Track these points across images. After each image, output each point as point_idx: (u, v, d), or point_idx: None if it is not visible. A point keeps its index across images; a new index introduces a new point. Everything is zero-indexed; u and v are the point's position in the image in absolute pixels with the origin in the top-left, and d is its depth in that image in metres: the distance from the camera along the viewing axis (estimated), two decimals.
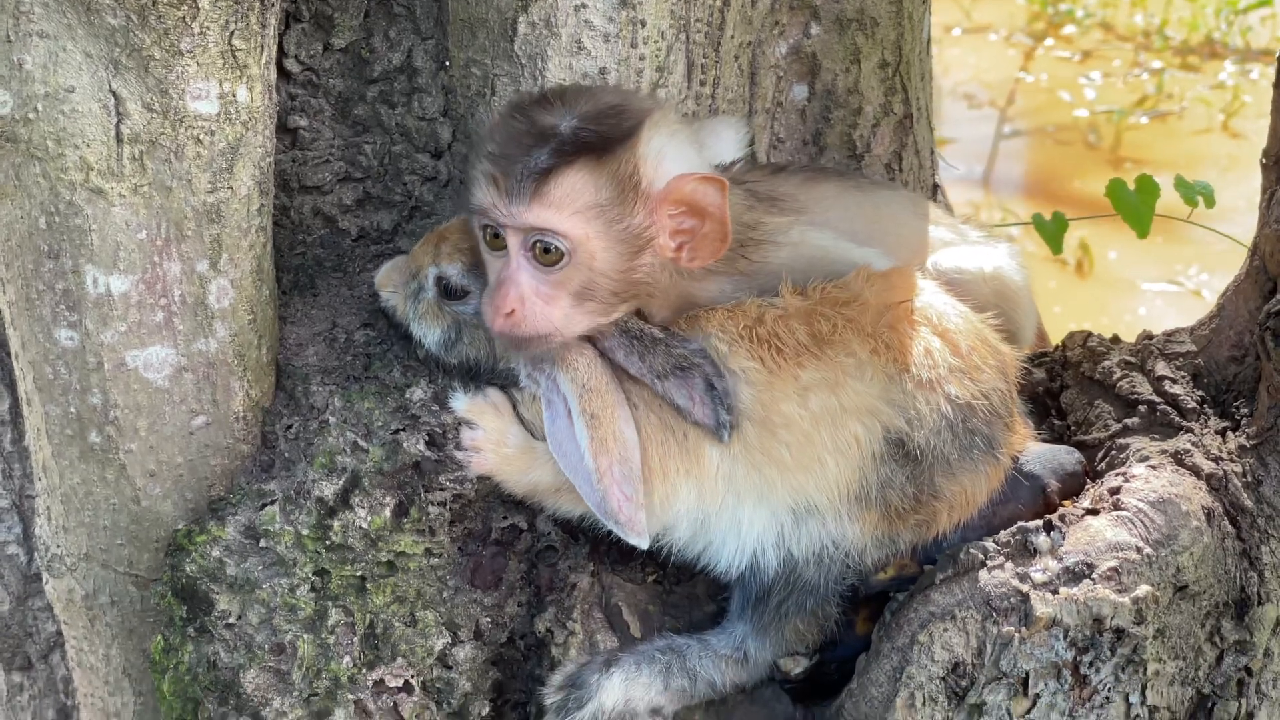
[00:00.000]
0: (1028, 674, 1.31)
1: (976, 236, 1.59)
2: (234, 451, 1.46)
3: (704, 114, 1.60)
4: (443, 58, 1.62)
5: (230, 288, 1.40)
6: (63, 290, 1.35)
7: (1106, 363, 1.58)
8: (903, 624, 1.33)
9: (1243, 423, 1.47)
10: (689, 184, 1.29)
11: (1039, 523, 1.36)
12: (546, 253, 1.30)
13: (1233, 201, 3.65)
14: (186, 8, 1.27)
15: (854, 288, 1.36)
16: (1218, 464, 1.42)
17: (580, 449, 1.30)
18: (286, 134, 1.61)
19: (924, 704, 1.32)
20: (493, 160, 1.30)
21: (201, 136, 1.33)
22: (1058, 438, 1.56)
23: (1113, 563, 1.33)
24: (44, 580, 1.55)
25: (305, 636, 1.40)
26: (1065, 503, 1.42)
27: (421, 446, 1.41)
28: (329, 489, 1.39)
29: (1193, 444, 1.44)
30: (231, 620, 1.39)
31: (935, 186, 1.92)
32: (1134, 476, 1.40)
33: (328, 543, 1.39)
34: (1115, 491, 1.39)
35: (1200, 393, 1.53)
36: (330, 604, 1.40)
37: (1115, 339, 1.65)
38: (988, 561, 1.33)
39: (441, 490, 1.41)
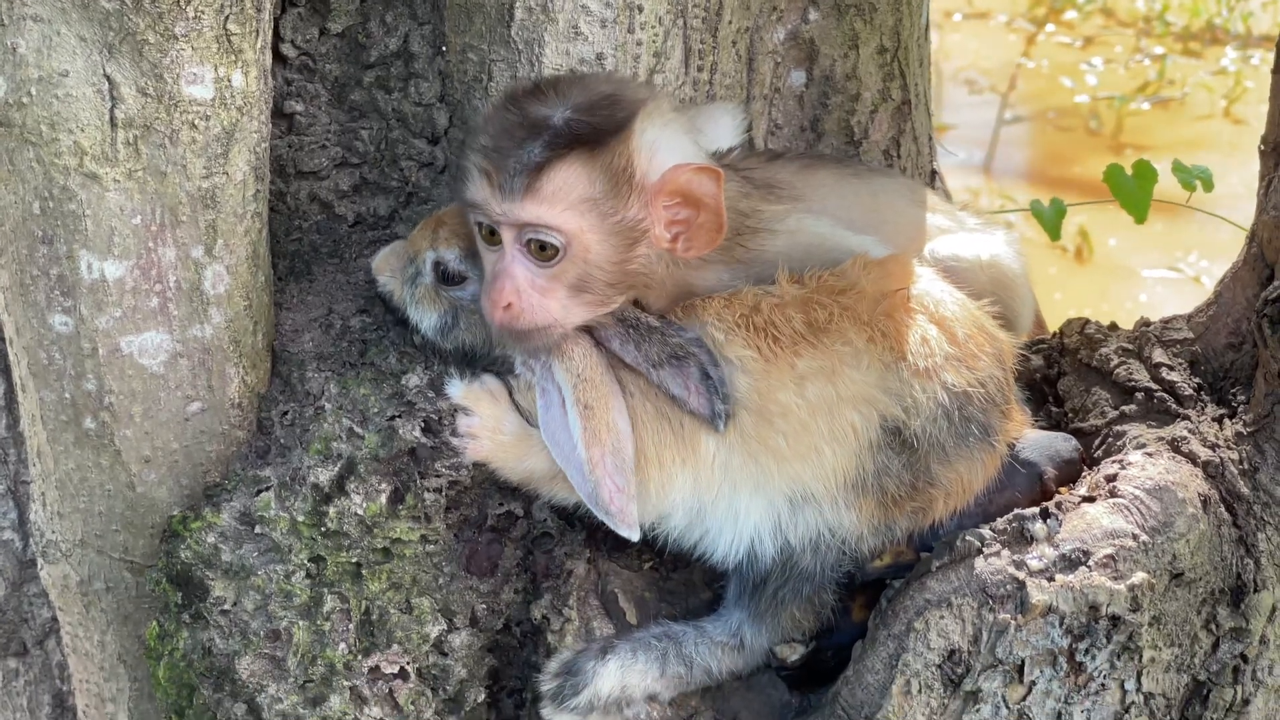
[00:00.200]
0: (1023, 661, 1.31)
1: (974, 224, 1.58)
2: (229, 438, 1.45)
3: (701, 100, 1.60)
4: (439, 43, 1.61)
5: (225, 273, 1.40)
6: (57, 276, 1.35)
7: (1104, 350, 1.58)
8: (899, 611, 1.33)
9: (1239, 410, 1.46)
10: (684, 175, 1.29)
11: (1035, 510, 1.35)
12: (542, 248, 1.29)
13: (1235, 188, 3.65)
14: None
15: (851, 275, 1.36)
16: (1214, 451, 1.42)
17: (573, 439, 1.30)
18: (283, 119, 1.61)
19: (920, 691, 1.32)
20: (485, 155, 1.29)
21: (196, 121, 1.32)
22: (1055, 425, 1.55)
23: (1109, 550, 1.32)
24: (39, 566, 1.55)
25: (300, 623, 1.40)
26: (1062, 490, 1.42)
27: (417, 433, 1.40)
28: (324, 475, 1.39)
29: (1189, 431, 1.44)
30: (226, 607, 1.39)
31: (933, 173, 1.92)
32: (1130, 464, 1.40)
33: (323, 529, 1.39)
34: (1112, 479, 1.39)
35: (1197, 380, 1.52)
36: (326, 590, 1.40)
37: (1113, 326, 1.65)
38: (984, 549, 1.32)
39: (437, 477, 1.41)
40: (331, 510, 1.38)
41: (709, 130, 1.49)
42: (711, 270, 1.37)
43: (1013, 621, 1.30)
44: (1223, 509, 1.39)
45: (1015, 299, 1.53)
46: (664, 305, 1.36)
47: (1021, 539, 1.34)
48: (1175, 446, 1.42)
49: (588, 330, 1.34)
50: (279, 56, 1.58)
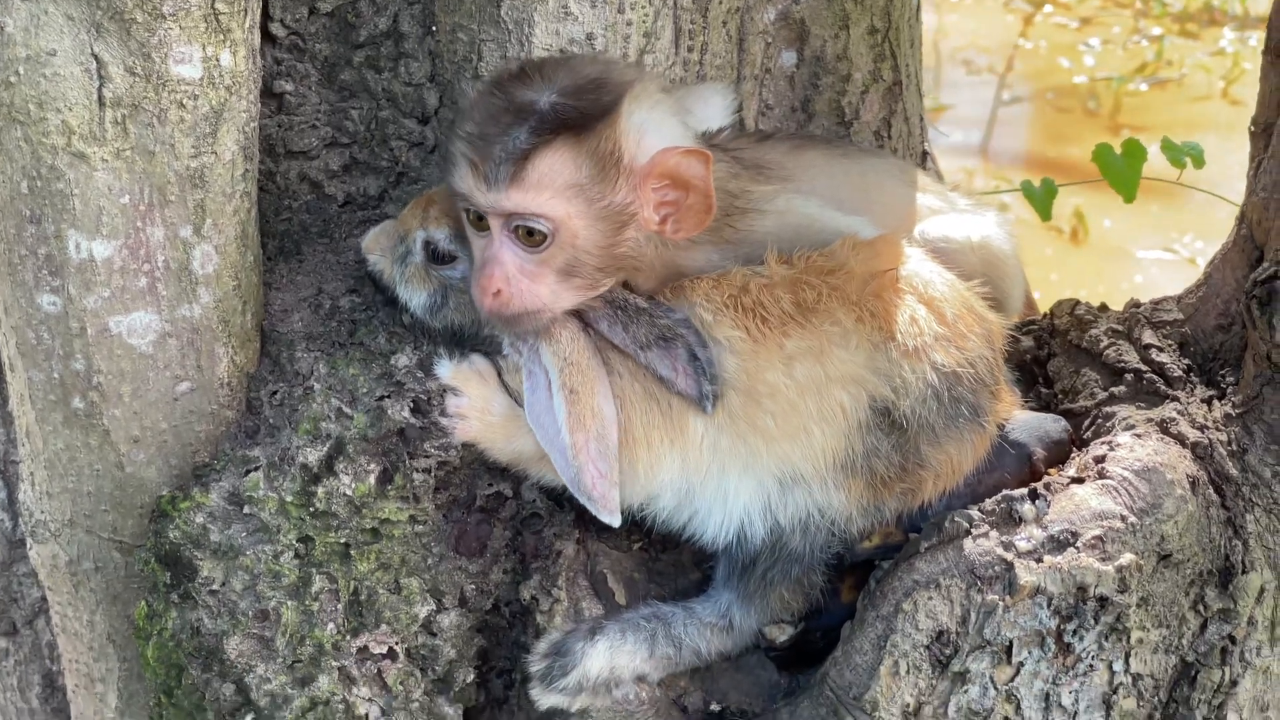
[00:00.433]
0: (1011, 642, 1.32)
1: (965, 204, 1.58)
2: (218, 418, 1.45)
3: (691, 80, 1.59)
4: (429, 23, 1.61)
5: (214, 253, 1.40)
6: (45, 255, 1.34)
7: (1094, 331, 1.58)
8: (887, 592, 1.33)
9: (1228, 391, 1.46)
10: (672, 158, 1.28)
11: (1024, 491, 1.35)
12: (529, 235, 1.29)
13: (1232, 168, 3.63)
14: None
15: (839, 256, 1.36)
16: (1203, 432, 1.42)
17: (558, 423, 1.30)
18: (272, 99, 1.60)
19: (908, 672, 1.32)
20: (470, 143, 1.28)
21: (185, 101, 1.32)
22: (1044, 406, 1.55)
23: (1097, 531, 1.32)
24: (28, 546, 1.55)
25: (289, 603, 1.40)
26: (1051, 471, 1.42)
27: (406, 413, 1.40)
28: (313, 455, 1.39)
29: (1178, 412, 1.44)
30: (215, 587, 1.39)
31: (924, 154, 1.91)
32: (1119, 445, 1.40)
33: (312, 509, 1.39)
34: (1100, 460, 1.39)
35: (1186, 361, 1.52)
36: (314, 570, 1.40)
37: (1103, 307, 1.65)
38: (972, 530, 1.32)
39: (426, 457, 1.41)
40: (320, 490, 1.38)
41: (699, 111, 1.49)
42: (700, 251, 1.36)
43: (1001, 602, 1.30)
44: (1211, 490, 1.39)
45: (1006, 280, 1.53)
46: (653, 286, 1.36)
47: (1010, 520, 1.34)
48: (1164, 428, 1.42)
49: (576, 313, 1.34)
50: (268, 36, 1.57)
